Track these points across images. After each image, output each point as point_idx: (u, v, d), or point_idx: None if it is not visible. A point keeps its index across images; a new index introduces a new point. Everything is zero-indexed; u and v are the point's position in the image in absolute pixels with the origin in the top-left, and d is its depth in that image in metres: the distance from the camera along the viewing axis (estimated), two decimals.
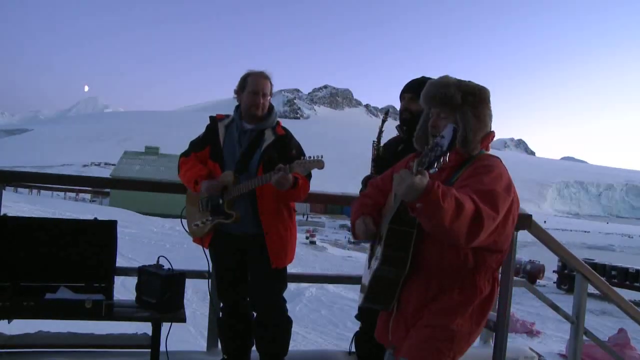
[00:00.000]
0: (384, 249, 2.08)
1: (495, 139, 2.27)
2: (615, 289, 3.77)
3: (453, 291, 2.10)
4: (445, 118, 2.14)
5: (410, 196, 1.76)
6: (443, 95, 2.13)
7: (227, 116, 3.22)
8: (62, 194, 52.59)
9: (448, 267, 2.08)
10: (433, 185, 1.74)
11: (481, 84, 2.19)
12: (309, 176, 3.05)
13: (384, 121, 3.19)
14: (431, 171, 1.76)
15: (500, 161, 2.14)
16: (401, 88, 3.17)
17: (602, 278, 3.57)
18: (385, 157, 3.01)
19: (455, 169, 2.13)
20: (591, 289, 3.63)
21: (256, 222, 3.02)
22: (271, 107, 3.16)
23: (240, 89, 3.12)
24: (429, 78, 3.08)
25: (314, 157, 2.80)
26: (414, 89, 3.03)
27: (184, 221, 3.25)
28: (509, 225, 2.03)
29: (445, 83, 2.17)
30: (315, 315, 9.87)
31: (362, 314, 3.31)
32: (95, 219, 3.13)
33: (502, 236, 2.03)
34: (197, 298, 8.92)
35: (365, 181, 3.27)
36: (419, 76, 3.15)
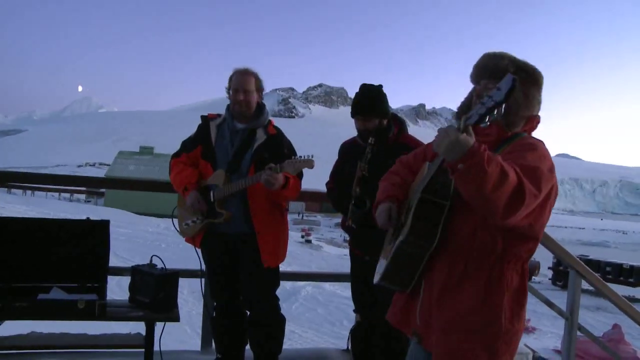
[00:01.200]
0: (412, 219, 1.92)
1: None
2: (610, 284, 3.77)
3: (478, 279, 1.92)
4: (492, 89, 2.01)
5: (453, 154, 1.63)
6: (495, 65, 2.01)
7: (219, 115, 3.20)
8: (56, 194, 52.38)
9: (476, 250, 1.92)
10: (480, 146, 1.62)
11: None
12: (300, 175, 3.05)
13: (371, 145, 3.02)
14: (482, 125, 1.63)
15: (544, 144, 1.99)
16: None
17: (596, 274, 3.57)
18: (369, 179, 2.93)
19: (496, 146, 1.97)
20: (586, 285, 3.64)
21: (247, 222, 3.01)
22: (262, 106, 3.15)
23: (229, 88, 3.12)
24: (368, 87, 3.11)
25: (304, 157, 2.80)
26: (365, 110, 3.06)
27: (175, 221, 3.24)
28: (547, 211, 1.91)
29: (501, 55, 2.05)
30: (311, 313, 9.86)
31: (361, 308, 3.32)
32: (88, 218, 3.11)
33: (539, 221, 1.90)
34: (192, 298, 8.89)
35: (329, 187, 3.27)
36: (377, 83, 3.15)
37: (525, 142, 1.95)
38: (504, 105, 1.55)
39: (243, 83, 3.06)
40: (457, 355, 1.93)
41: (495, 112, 1.56)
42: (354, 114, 3.11)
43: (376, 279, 2.14)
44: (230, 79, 3.10)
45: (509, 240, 1.91)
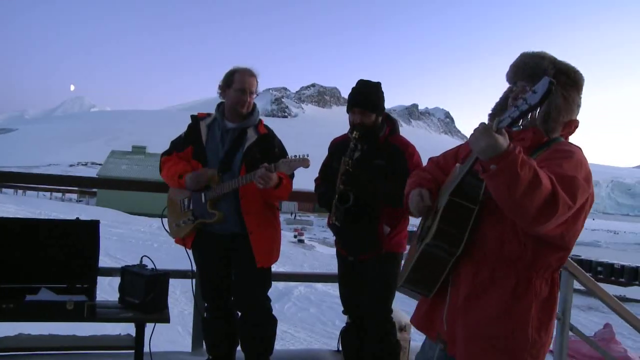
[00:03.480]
0: (439, 222, 1.87)
1: None
2: (601, 284, 3.78)
3: (505, 287, 1.86)
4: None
5: (487, 153, 1.59)
6: (534, 66, 1.94)
7: (209, 115, 3.17)
8: (48, 194, 52.06)
9: (504, 257, 1.86)
10: (515, 148, 1.57)
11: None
12: (292, 175, 3.02)
13: (356, 139, 2.97)
14: (514, 129, 1.59)
15: (581, 150, 1.92)
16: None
17: (587, 274, 3.58)
18: (355, 177, 2.92)
19: (531, 151, 1.89)
20: (578, 285, 3.64)
21: (240, 222, 2.99)
22: (254, 106, 3.12)
23: (226, 85, 3.06)
24: (367, 83, 3.09)
25: (299, 156, 2.77)
26: (364, 103, 3.03)
27: (165, 221, 3.21)
28: (581, 220, 1.82)
29: (541, 55, 1.97)
30: (304, 313, 9.85)
31: (349, 310, 3.31)
32: (77, 218, 3.08)
33: (571, 231, 1.82)
34: (185, 298, 8.85)
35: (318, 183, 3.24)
36: (375, 80, 3.13)
37: (562, 149, 1.88)
38: (538, 109, 1.53)
39: (251, 84, 3.03)
40: None
41: (529, 116, 1.53)
42: (350, 107, 3.08)
43: (399, 281, 2.09)
44: (231, 76, 3.05)
45: (539, 249, 1.85)
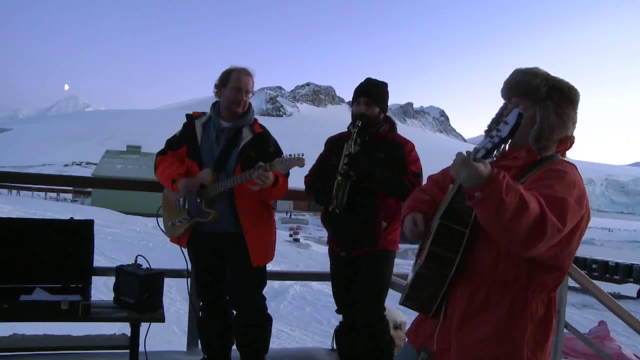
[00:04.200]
0: (430, 245, 1.88)
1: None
2: (596, 282, 3.80)
3: (500, 308, 1.85)
4: (524, 110, 1.87)
5: (470, 182, 1.58)
6: (527, 84, 1.92)
7: (204, 114, 3.17)
8: (42, 194, 51.91)
9: (499, 278, 1.85)
10: (498, 174, 1.57)
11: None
12: (287, 174, 3.02)
13: (359, 127, 3.01)
14: (488, 160, 1.58)
15: (576, 168, 1.90)
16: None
17: (582, 271, 3.59)
18: (357, 156, 2.94)
19: (524, 170, 1.90)
20: (572, 283, 3.65)
21: (235, 221, 2.99)
22: (249, 105, 3.12)
23: (222, 84, 3.06)
24: (375, 79, 3.14)
25: (295, 155, 2.77)
26: (371, 94, 3.07)
27: (160, 220, 3.20)
28: (575, 241, 1.81)
29: (534, 72, 1.96)
30: (299, 312, 9.86)
31: (342, 308, 3.31)
32: (72, 218, 3.07)
33: (565, 252, 1.80)
34: (180, 297, 8.85)
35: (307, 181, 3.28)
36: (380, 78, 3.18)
37: (554, 169, 1.85)
38: (509, 141, 1.51)
39: (247, 84, 3.04)
40: None
41: (502, 147, 1.53)
42: (357, 96, 3.11)
43: (401, 299, 2.10)
44: (227, 75, 3.05)
45: (533, 270, 1.83)
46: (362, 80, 3.18)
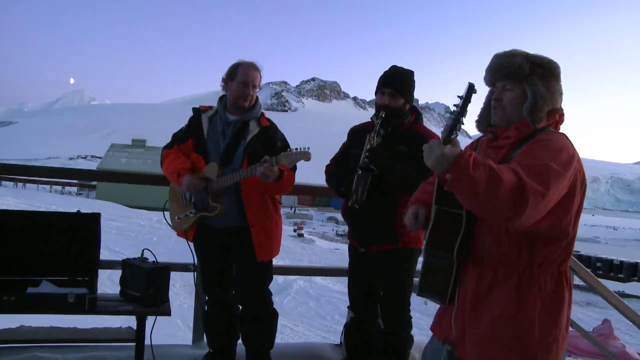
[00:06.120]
0: (429, 233, 1.94)
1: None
2: (600, 280, 3.79)
3: (508, 287, 1.88)
4: (510, 90, 1.96)
5: (440, 167, 1.64)
6: (509, 64, 1.96)
7: (211, 108, 3.16)
8: (47, 187, 52.08)
9: (503, 258, 1.89)
10: (464, 154, 1.61)
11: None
12: (294, 168, 3.01)
13: (382, 118, 2.89)
14: (452, 137, 1.63)
15: (566, 137, 1.93)
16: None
17: (587, 269, 3.58)
18: (379, 150, 2.87)
19: (515, 146, 1.93)
20: (577, 281, 3.65)
21: (241, 215, 2.99)
22: (256, 99, 3.12)
23: (230, 78, 3.07)
24: (400, 68, 3.01)
25: (300, 149, 2.77)
26: (396, 85, 2.95)
27: (167, 214, 3.21)
28: (573, 207, 1.82)
29: (513, 53, 1.99)
30: (303, 307, 9.88)
31: (354, 304, 3.27)
32: (79, 211, 3.08)
33: (564, 219, 1.81)
34: (184, 291, 8.89)
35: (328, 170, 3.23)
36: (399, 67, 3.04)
37: (540, 139, 1.88)
38: (465, 115, 1.58)
39: (253, 78, 3.04)
40: None
41: (458, 124, 1.60)
42: (381, 86, 2.98)
43: (417, 290, 2.13)
44: (235, 69, 3.05)
45: (536, 245, 1.86)
46: (387, 69, 3.03)
